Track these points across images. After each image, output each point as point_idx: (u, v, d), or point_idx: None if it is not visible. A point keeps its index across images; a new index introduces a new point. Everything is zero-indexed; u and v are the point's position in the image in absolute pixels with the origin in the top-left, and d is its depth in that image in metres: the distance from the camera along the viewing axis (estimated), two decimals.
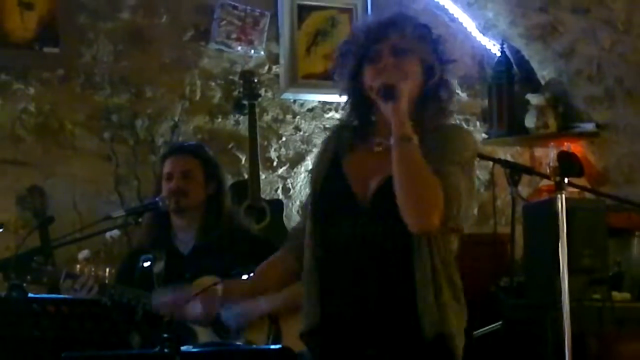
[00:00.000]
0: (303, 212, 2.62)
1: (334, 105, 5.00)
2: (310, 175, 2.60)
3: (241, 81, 4.63)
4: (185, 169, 3.53)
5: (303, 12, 4.96)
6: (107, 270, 3.39)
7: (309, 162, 4.93)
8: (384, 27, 2.44)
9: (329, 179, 2.48)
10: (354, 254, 2.38)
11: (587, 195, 4.24)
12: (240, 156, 4.76)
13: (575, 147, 5.00)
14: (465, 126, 5.08)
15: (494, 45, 5.11)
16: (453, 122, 2.58)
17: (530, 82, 5.13)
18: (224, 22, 4.75)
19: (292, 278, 2.65)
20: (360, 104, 2.48)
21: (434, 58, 2.45)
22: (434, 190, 2.26)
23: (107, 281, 3.35)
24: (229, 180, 4.49)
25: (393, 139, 2.30)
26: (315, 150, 4.92)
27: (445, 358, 2.36)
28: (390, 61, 2.39)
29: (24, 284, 3.26)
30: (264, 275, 2.65)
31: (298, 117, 4.96)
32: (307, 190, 2.62)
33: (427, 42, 2.45)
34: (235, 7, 4.77)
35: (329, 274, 2.43)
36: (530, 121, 4.99)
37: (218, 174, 3.62)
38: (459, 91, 5.02)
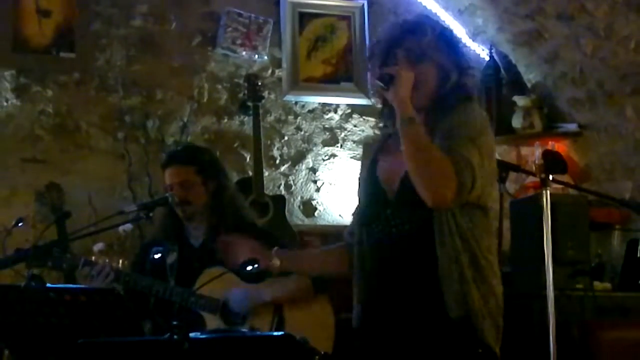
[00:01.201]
0: (353, 215, 2.57)
1: (333, 106, 5.00)
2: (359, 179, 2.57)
3: (246, 84, 4.62)
4: (181, 180, 3.47)
5: (304, 19, 4.96)
6: (120, 261, 3.39)
7: (309, 160, 4.93)
8: (402, 33, 2.40)
9: (367, 181, 2.47)
10: (384, 245, 2.36)
11: (571, 191, 4.24)
12: (245, 154, 4.76)
13: (559, 146, 4.99)
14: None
15: (483, 50, 5.11)
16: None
17: (517, 85, 5.12)
18: (229, 29, 4.75)
19: (339, 273, 2.62)
20: (389, 108, 2.42)
21: (451, 63, 2.39)
22: (442, 163, 2.21)
23: (120, 269, 3.36)
24: (234, 177, 4.50)
25: (398, 120, 2.28)
26: (316, 149, 4.94)
27: (470, 339, 2.29)
28: (404, 66, 2.35)
29: (46, 268, 3.28)
30: (324, 259, 2.64)
31: (299, 117, 4.96)
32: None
33: (445, 47, 2.39)
34: (240, 15, 4.77)
35: (367, 272, 2.41)
36: (517, 121, 4.98)
37: (215, 171, 3.55)
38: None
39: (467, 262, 2.29)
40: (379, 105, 2.51)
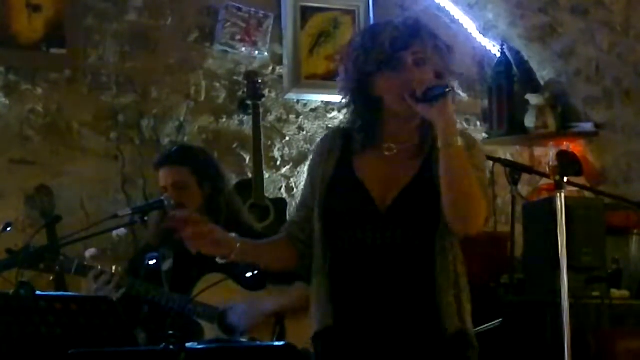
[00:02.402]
0: (302, 208, 2.54)
1: (337, 105, 4.96)
2: (310, 172, 2.54)
3: (245, 82, 4.62)
4: (175, 180, 3.47)
5: (306, 13, 4.95)
6: (114, 268, 3.39)
7: None
8: (408, 36, 2.40)
9: (341, 180, 2.44)
10: (371, 257, 2.36)
11: (586, 194, 4.24)
12: (245, 155, 4.76)
13: (574, 147, 4.99)
14: (466, 126, 5.07)
15: (494, 46, 5.11)
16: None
17: (530, 82, 5.12)
18: (228, 24, 4.75)
19: (288, 267, 2.61)
20: (368, 106, 2.45)
21: (444, 69, 2.43)
22: (480, 194, 2.29)
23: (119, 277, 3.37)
24: (233, 179, 4.50)
25: (441, 142, 2.29)
26: None
27: (466, 348, 2.38)
28: (415, 71, 2.37)
29: (38, 270, 3.29)
30: (273, 250, 2.57)
31: (301, 117, 4.95)
32: (306, 188, 2.55)
33: (440, 53, 2.43)
34: (239, 9, 4.77)
35: (341, 277, 2.40)
36: (529, 121, 4.98)
37: (210, 172, 3.55)
38: (459, 91, 5.02)
39: (464, 284, 2.39)
40: (349, 99, 2.50)
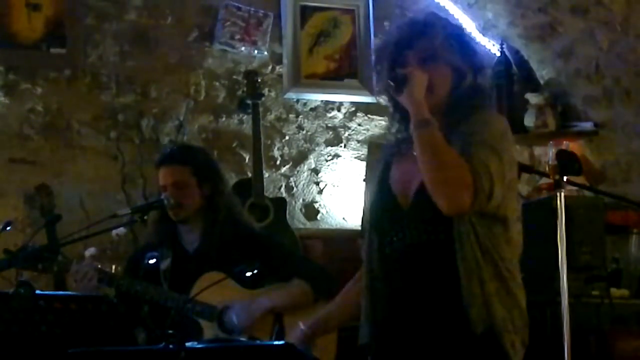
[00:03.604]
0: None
1: (336, 104, 5.00)
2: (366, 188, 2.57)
3: (245, 81, 4.62)
4: (176, 180, 3.45)
5: (306, 13, 4.95)
6: (114, 267, 3.39)
7: (311, 161, 4.93)
8: (412, 35, 2.37)
9: (377, 188, 2.44)
10: (401, 258, 2.34)
11: (586, 193, 4.23)
12: (244, 155, 4.76)
13: (574, 146, 4.98)
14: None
15: (493, 45, 5.10)
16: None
17: (530, 81, 5.12)
18: (227, 23, 4.75)
19: None
20: (401, 111, 2.40)
21: (464, 63, 2.37)
22: (459, 169, 2.20)
23: (112, 273, 3.36)
24: (233, 178, 4.50)
25: (412, 125, 2.26)
26: (318, 149, 4.94)
27: (495, 355, 2.27)
28: (417, 68, 2.33)
29: (36, 271, 3.28)
30: (347, 302, 2.59)
31: (301, 116, 4.95)
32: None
33: (457, 47, 2.38)
34: (239, 8, 4.77)
35: (379, 286, 2.39)
36: (529, 120, 4.98)
37: (211, 173, 3.53)
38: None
39: (489, 274, 2.28)
40: (389, 108, 2.48)
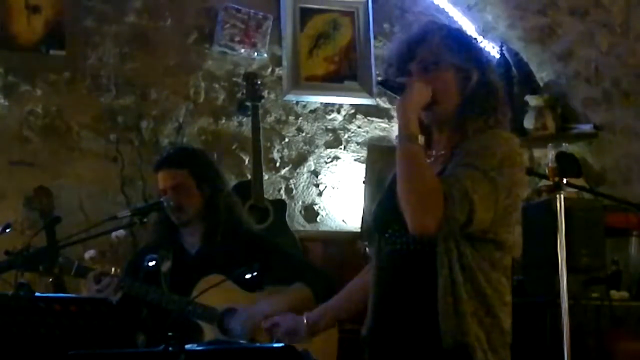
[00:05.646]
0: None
1: (336, 106, 5.00)
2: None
3: (244, 83, 4.62)
4: (174, 183, 3.44)
5: (305, 15, 4.96)
6: (113, 269, 3.39)
7: (311, 163, 4.93)
8: (412, 46, 2.35)
9: (387, 193, 2.43)
10: (391, 262, 2.36)
11: (585, 195, 4.23)
12: (244, 157, 4.76)
13: (574, 148, 4.99)
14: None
15: (493, 47, 5.11)
16: (501, 128, 2.34)
17: (529, 83, 5.12)
18: (227, 25, 4.75)
19: None
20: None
21: (469, 62, 2.34)
22: (431, 191, 2.16)
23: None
24: (232, 181, 4.50)
25: (397, 136, 2.24)
26: (318, 151, 4.94)
27: None
28: (421, 78, 2.30)
29: (37, 272, 3.28)
30: (350, 298, 2.61)
31: (300, 118, 4.95)
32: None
33: (457, 46, 2.35)
34: (238, 11, 4.77)
35: (377, 287, 2.41)
36: (529, 122, 4.98)
37: (210, 174, 3.53)
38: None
39: (468, 293, 2.25)
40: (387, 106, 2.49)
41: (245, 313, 3.32)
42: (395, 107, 2.30)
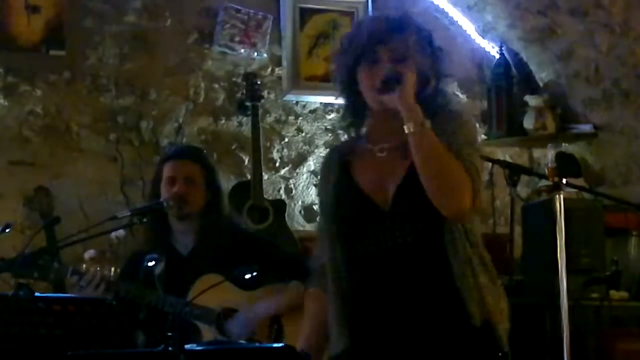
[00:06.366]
0: (321, 240, 2.48)
1: (336, 106, 4.99)
2: (320, 202, 2.51)
3: (244, 83, 4.62)
4: (187, 174, 3.46)
5: (305, 15, 4.95)
6: (112, 270, 3.38)
7: (311, 163, 4.93)
8: (387, 31, 2.36)
9: (343, 191, 2.41)
10: (387, 260, 2.32)
11: (585, 195, 4.24)
12: (244, 157, 4.76)
13: (573, 148, 5.00)
14: None
15: (492, 47, 5.11)
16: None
17: (529, 84, 5.12)
18: (227, 25, 4.75)
19: None
20: (355, 101, 2.43)
21: (431, 69, 2.38)
22: (459, 171, 2.24)
23: (111, 279, 3.35)
24: (232, 181, 4.50)
25: (407, 127, 2.26)
26: (317, 151, 4.93)
27: (492, 346, 2.30)
28: (387, 66, 2.33)
29: (31, 280, 3.27)
30: (321, 320, 2.49)
31: (300, 118, 4.95)
32: (319, 223, 2.51)
33: (426, 51, 2.38)
34: (238, 11, 4.77)
35: (357, 292, 2.36)
36: (528, 122, 4.98)
37: (216, 179, 3.57)
38: (458, 92, 5.02)
39: (479, 267, 2.32)
40: (344, 101, 2.48)
41: (244, 314, 3.32)
42: (395, 100, 2.29)
